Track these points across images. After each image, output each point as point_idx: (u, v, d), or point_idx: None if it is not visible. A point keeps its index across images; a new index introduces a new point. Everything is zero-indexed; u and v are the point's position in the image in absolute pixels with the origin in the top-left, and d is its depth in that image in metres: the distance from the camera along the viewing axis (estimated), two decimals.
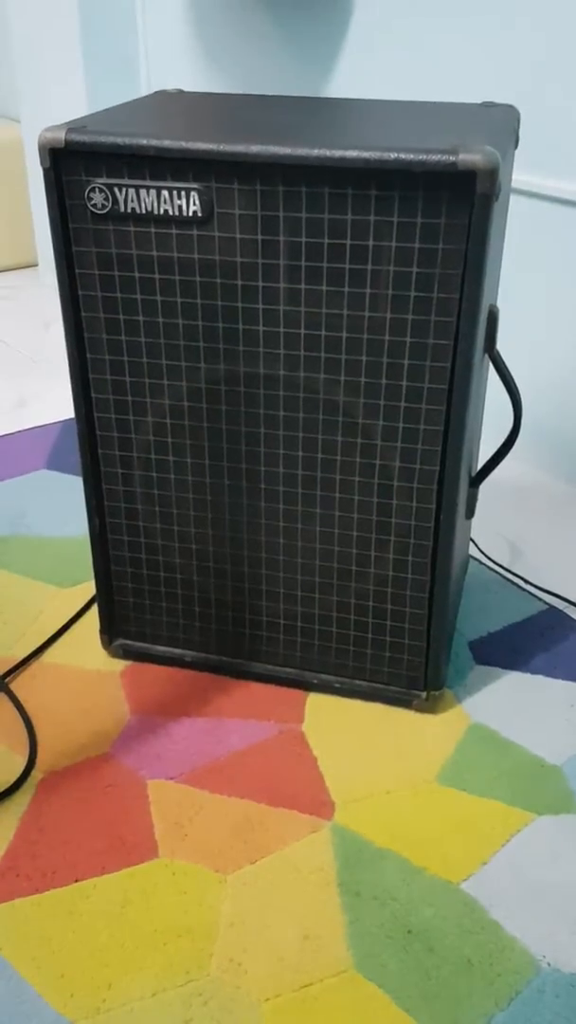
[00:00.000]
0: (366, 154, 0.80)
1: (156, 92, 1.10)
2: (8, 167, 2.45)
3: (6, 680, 1.10)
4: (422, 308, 0.85)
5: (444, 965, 0.80)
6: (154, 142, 0.83)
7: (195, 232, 0.86)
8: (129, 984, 0.78)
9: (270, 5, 1.70)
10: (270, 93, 1.77)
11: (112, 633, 1.12)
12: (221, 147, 0.82)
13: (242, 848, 0.90)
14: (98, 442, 0.99)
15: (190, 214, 0.86)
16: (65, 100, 2.11)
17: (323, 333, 0.88)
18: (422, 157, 0.78)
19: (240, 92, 1.82)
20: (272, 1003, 0.77)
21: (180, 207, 0.86)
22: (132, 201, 0.86)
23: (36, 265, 2.58)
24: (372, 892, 0.86)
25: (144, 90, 2.05)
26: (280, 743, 1.01)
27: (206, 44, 1.86)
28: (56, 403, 1.81)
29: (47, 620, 1.20)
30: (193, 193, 0.85)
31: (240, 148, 0.82)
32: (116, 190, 0.86)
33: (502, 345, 1.53)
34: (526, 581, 1.28)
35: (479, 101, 1.40)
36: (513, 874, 0.87)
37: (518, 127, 1.05)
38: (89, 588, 1.26)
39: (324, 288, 0.86)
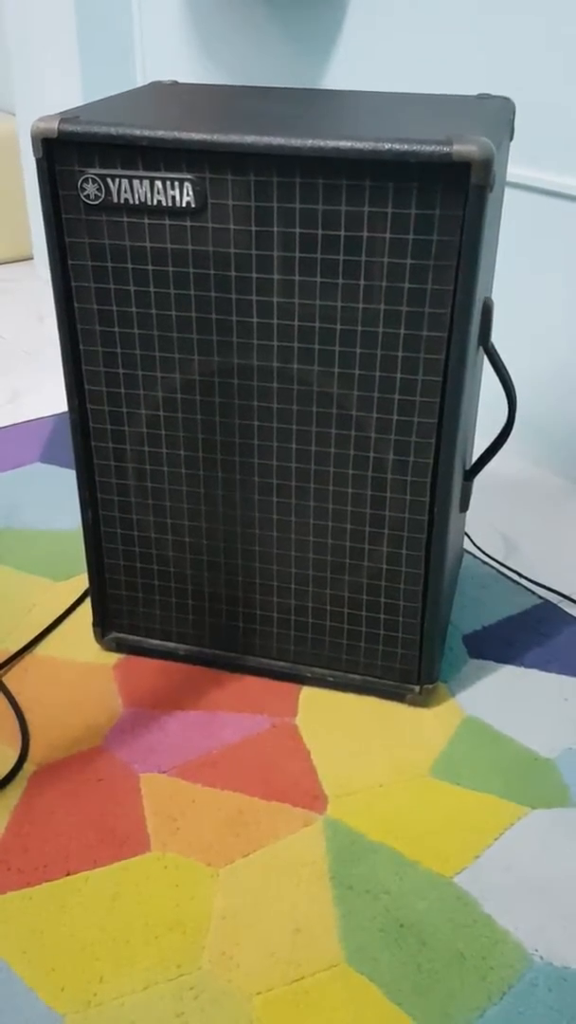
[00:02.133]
0: (360, 145, 0.79)
1: (151, 83, 1.09)
2: (3, 159, 2.44)
3: None
4: (416, 300, 0.84)
5: (436, 959, 0.80)
6: (147, 132, 0.83)
7: (189, 223, 0.86)
8: (120, 978, 0.78)
9: None
10: (265, 84, 1.76)
11: (105, 626, 1.12)
12: (215, 137, 0.82)
13: (234, 841, 0.89)
14: (91, 434, 0.99)
15: (184, 205, 0.85)
16: (60, 92, 2.10)
17: (317, 325, 0.88)
18: (417, 148, 0.78)
19: (235, 83, 1.82)
20: (264, 997, 0.77)
21: (174, 198, 0.85)
22: (125, 192, 0.86)
23: (31, 258, 2.57)
24: (364, 886, 0.86)
25: (139, 82, 2.04)
26: (273, 736, 1.01)
27: (201, 35, 1.85)
28: (50, 396, 1.81)
29: (40, 613, 1.19)
30: (187, 184, 0.84)
31: (234, 138, 0.81)
32: (109, 181, 0.86)
33: (498, 339, 1.53)
34: (520, 575, 1.28)
35: (474, 93, 1.40)
36: (506, 868, 0.87)
37: (513, 119, 1.04)
38: (82, 581, 1.25)
39: (318, 280, 0.86)
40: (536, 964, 0.79)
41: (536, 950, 0.80)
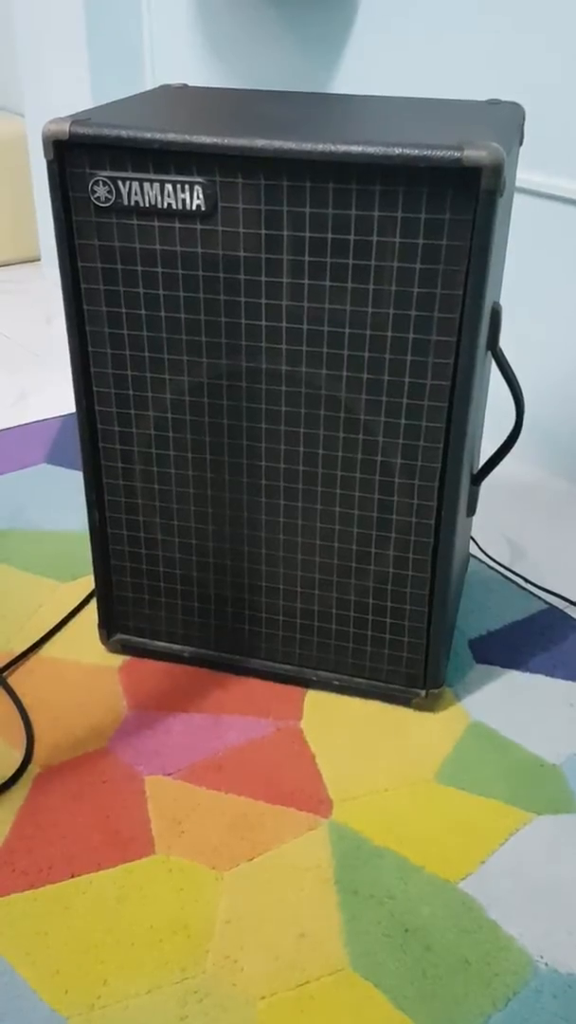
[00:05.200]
0: (371, 149, 0.79)
1: (161, 86, 1.09)
2: (12, 161, 2.44)
3: (4, 674, 1.09)
4: (425, 304, 0.84)
5: (441, 964, 0.79)
6: (158, 135, 0.83)
7: (198, 226, 0.86)
8: (124, 981, 0.78)
9: (275, 0, 1.69)
10: (275, 88, 1.76)
11: (111, 628, 1.12)
12: (225, 141, 0.82)
13: (239, 845, 0.89)
14: (99, 436, 0.99)
15: (193, 208, 0.85)
16: (69, 94, 2.10)
17: (326, 329, 0.88)
18: (427, 153, 0.78)
19: (244, 87, 1.82)
20: (268, 1001, 0.77)
21: (184, 201, 0.85)
22: (136, 194, 0.86)
23: (39, 259, 2.58)
24: (369, 890, 0.85)
25: (148, 84, 2.04)
26: (278, 740, 1.01)
27: (211, 39, 1.85)
28: (56, 397, 1.81)
29: (46, 614, 1.19)
30: (197, 187, 0.84)
31: (244, 142, 0.81)
32: (120, 183, 0.86)
33: (505, 343, 1.52)
34: (526, 580, 1.27)
35: (484, 98, 1.40)
36: (511, 874, 0.87)
37: (523, 124, 1.04)
38: (88, 583, 1.25)
39: (327, 284, 0.86)
40: (541, 971, 0.79)
41: (541, 957, 0.80)
